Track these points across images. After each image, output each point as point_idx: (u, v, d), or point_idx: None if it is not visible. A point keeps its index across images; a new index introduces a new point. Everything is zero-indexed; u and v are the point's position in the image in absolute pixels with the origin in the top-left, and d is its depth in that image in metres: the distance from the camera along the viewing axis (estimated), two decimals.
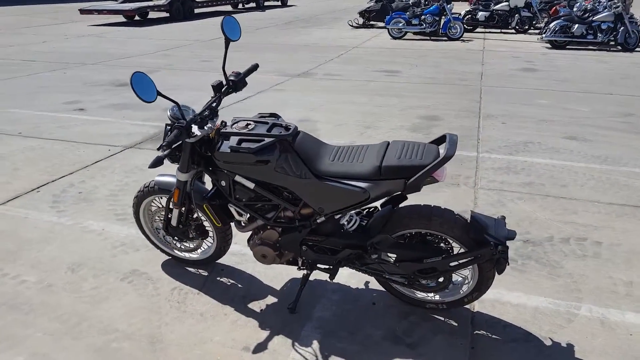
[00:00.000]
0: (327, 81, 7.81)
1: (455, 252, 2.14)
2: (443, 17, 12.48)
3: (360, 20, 15.71)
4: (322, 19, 18.51)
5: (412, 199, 3.63)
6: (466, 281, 2.31)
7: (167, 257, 2.83)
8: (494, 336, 2.25)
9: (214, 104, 2.26)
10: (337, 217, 2.27)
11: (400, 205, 2.24)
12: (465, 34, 13.46)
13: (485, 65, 9.18)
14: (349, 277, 2.66)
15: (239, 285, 2.60)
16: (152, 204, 2.64)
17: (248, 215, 2.35)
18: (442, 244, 2.19)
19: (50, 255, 2.86)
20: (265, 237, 2.33)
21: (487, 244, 2.04)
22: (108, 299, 2.47)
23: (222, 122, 2.28)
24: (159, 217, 2.63)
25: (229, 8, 22.75)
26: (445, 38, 12.59)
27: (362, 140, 4.93)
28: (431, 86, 7.45)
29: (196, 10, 19.66)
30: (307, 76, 8.22)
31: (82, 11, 16.12)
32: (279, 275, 2.68)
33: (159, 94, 1.92)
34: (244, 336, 2.22)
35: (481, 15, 13.38)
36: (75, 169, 4.17)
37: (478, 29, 14.37)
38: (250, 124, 2.17)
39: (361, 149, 2.14)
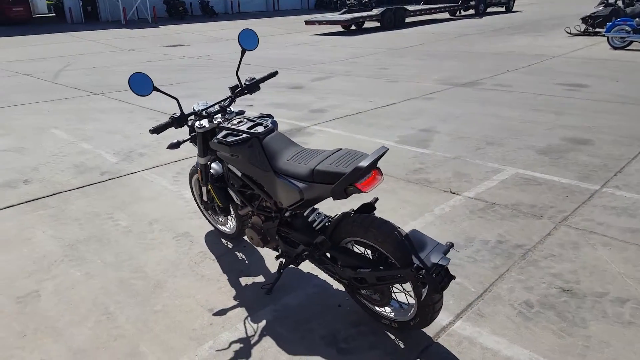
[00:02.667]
0: (489, 92, 7.39)
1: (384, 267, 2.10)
2: None
3: (582, 27, 13.88)
4: (539, 25, 16.95)
5: (471, 219, 3.42)
6: (414, 304, 2.21)
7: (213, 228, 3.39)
8: None
9: (225, 103, 2.68)
10: (305, 214, 2.45)
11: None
12: None
13: None
14: None
15: (246, 262, 2.97)
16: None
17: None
18: (379, 257, 2.16)
19: (145, 210, 3.73)
20: (254, 222, 2.65)
21: (410, 264, 1.96)
22: (154, 249, 3.15)
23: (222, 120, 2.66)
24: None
25: (445, 15, 22.66)
26: None
27: (470, 157, 4.68)
28: (613, 105, 6.35)
29: (408, 19, 20.22)
30: (471, 86, 7.90)
31: (307, 22, 18.33)
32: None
33: (156, 89, 2.41)
34: (217, 300, 2.60)
35: None
36: None
37: None
38: (242, 122, 2.52)
39: (315, 153, 2.27)
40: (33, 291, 2.71)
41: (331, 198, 2.15)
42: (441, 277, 1.98)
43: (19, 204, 3.85)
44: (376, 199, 2.48)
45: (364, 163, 1.94)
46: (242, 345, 2.27)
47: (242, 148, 2.39)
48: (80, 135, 5.72)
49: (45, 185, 4.20)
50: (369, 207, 2.35)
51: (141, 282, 2.79)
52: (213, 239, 3.25)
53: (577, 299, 2.54)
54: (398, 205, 3.70)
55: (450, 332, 2.33)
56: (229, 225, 3.19)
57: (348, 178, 1.97)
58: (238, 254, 3.07)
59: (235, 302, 2.59)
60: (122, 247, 3.19)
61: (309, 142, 5.25)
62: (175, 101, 2.54)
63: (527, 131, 5.42)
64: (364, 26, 19.54)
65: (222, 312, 2.51)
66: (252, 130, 2.39)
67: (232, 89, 2.71)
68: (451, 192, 3.91)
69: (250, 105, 7.06)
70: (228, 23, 22.30)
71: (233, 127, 2.48)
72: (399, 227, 2.10)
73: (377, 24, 18.96)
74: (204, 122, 2.60)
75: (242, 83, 2.73)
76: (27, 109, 7.09)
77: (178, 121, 2.50)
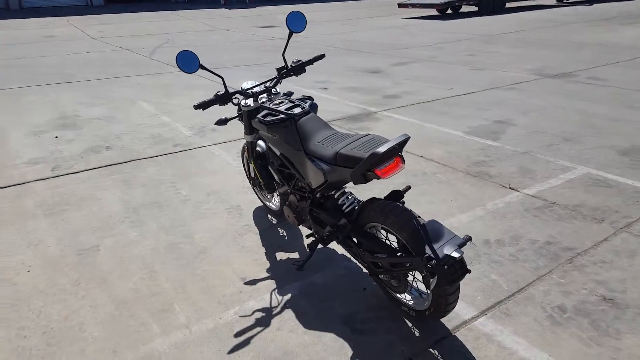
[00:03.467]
0: (580, 85, 6.82)
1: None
2: None
3: None
4: None
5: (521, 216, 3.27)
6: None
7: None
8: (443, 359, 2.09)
9: (270, 84, 2.78)
10: (335, 196, 2.50)
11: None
12: None
13: None
14: None
15: (285, 238, 3.10)
16: None
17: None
18: (400, 245, 2.16)
19: (206, 182, 3.99)
20: (290, 201, 2.75)
21: (422, 254, 1.94)
22: (206, 218, 3.38)
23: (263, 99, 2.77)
24: None
25: (552, 1, 20.98)
26: None
27: (541, 153, 4.41)
28: None
29: (509, 5, 19.01)
30: (562, 77, 7.34)
31: (400, 5, 17.95)
32: None
33: (202, 67, 2.55)
34: (251, 271, 2.76)
35: None
36: None
37: None
38: (282, 102, 2.61)
39: (345, 137, 2.29)
40: (94, 246, 3.06)
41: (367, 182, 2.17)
42: (454, 269, 1.94)
43: (98, 167, 4.30)
44: (408, 187, 2.47)
45: (381, 149, 1.94)
46: (264, 314, 2.40)
47: (279, 128, 2.49)
48: (163, 109, 6.18)
49: (123, 153, 4.64)
50: (397, 195, 2.35)
51: (188, 247, 3.02)
52: (260, 214, 3.42)
53: (617, 309, 2.35)
54: (450, 197, 3.61)
55: (471, 327, 2.28)
56: (274, 202, 3.33)
57: (365, 163, 1.99)
58: (280, 230, 3.20)
59: (266, 274, 2.73)
60: (178, 214, 3.46)
61: (373, 128, 5.25)
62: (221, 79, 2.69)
63: (613, 129, 4.96)
64: (460, 10, 18.74)
65: (252, 282, 2.66)
66: (288, 112, 2.48)
67: (279, 70, 2.81)
68: (510, 188, 3.74)
69: (325, 88, 7.16)
70: (323, 5, 22.50)
71: (273, 107, 2.58)
72: (418, 217, 2.08)
73: (475, 9, 18.07)
74: (249, 101, 2.73)
75: (289, 64, 2.82)
76: (125, 82, 7.79)
77: (221, 99, 2.65)
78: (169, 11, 20.33)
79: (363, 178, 2.06)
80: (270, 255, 2.92)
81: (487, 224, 3.22)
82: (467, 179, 3.93)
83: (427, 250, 1.95)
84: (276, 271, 2.76)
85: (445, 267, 1.92)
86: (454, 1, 17.00)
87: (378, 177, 2.02)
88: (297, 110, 2.49)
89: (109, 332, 2.31)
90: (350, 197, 2.50)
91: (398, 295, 2.36)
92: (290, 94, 2.88)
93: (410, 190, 3.72)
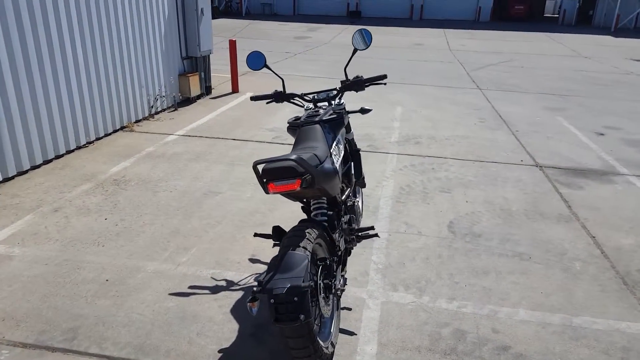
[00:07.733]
0: None
1: None
2: None
3: None
4: None
5: None
6: None
7: None
8: None
9: (330, 94, 2.86)
10: (312, 207, 2.48)
11: None
12: None
13: None
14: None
15: None
16: None
17: None
18: None
19: None
20: None
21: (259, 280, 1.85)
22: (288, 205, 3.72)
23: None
24: None
25: None
26: None
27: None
28: None
29: None
30: None
31: None
32: None
33: (267, 67, 2.85)
34: (265, 253, 3.00)
35: None
36: (448, 155, 4.85)
37: None
38: (316, 111, 2.69)
39: (311, 149, 2.24)
40: (218, 192, 3.90)
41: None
42: (282, 309, 1.77)
43: (264, 142, 5.16)
44: (372, 228, 2.24)
45: (264, 160, 1.94)
46: (224, 285, 2.68)
47: (293, 131, 2.63)
48: (406, 116, 6.51)
49: None
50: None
51: (258, 217, 3.49)
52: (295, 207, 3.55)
53: None
54: (548, 291, 2.73)
55: None
56: None
57: (256, 173, 2.00)
58: None
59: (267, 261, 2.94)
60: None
61: (586, 189, 4.13)
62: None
63: None
64: None
65: (253, 261, 2.93)
66: (302, 119, 2.59)
67: (342, 82, 2.85)
68: None
69: (601, 134, 5.82)
70: None
71: (307, 113, 2.71)
72: (302, 246, 1.94)
73: None
74: (311, 105, 2.91)
75: (349, 78, 2.81)
76: (405, 88, 8.39)
77: (278, 96, 2.91)
78: (545, 32, 19.39)
79: (263, 186, 2.07)
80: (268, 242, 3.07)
81: (540, 334, 2.34)
82: (609, 282, 2.79)
83: (263, 275, 1.84)
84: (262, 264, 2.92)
85: (272, 300, 1.78)
86: None
87: (267, 190, 2.01)
88: (311, 119, 2.56)
89: (147, 243, 3.10)
90: (318, 209, 2.41)
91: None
92: (367, 110, 2.88)
93: (510, 263, 2.97)
